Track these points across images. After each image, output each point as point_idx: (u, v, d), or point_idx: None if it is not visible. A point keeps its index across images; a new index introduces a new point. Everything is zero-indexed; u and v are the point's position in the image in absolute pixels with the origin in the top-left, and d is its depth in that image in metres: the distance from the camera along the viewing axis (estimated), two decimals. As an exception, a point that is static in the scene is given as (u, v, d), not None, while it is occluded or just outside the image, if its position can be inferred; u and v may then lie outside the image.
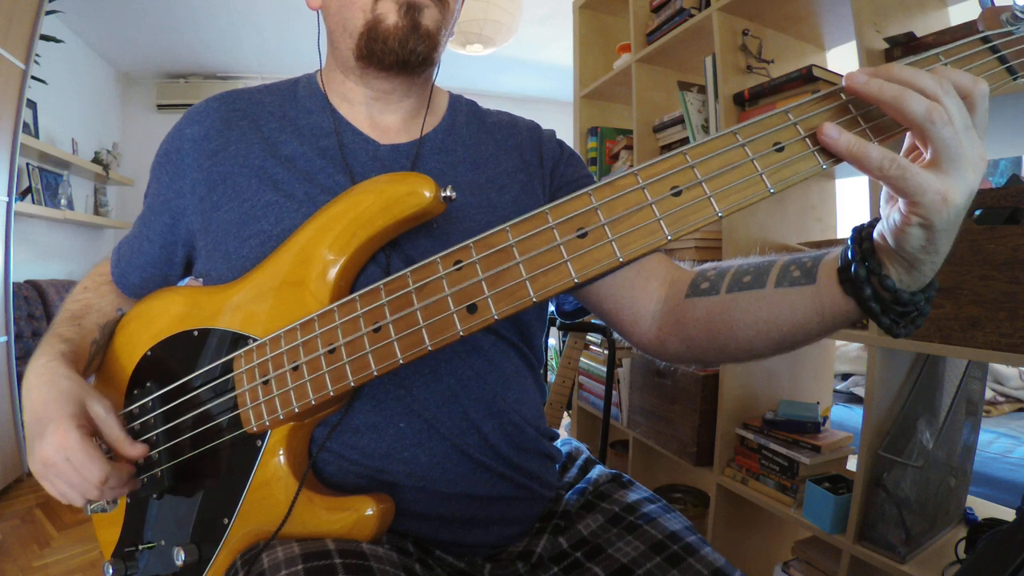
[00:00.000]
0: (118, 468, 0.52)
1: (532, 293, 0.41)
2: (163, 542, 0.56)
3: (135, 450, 0.53)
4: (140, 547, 0.58)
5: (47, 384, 0.53)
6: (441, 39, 0.60)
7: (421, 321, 0.43)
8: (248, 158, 0.59)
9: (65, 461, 0.49)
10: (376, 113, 0.63)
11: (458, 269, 0.42)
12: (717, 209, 0.39)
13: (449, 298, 0.42)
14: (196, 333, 0.56)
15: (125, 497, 0.60)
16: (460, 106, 0.70)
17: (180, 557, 0.52)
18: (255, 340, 0.52)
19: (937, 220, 0.37)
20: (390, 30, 0.56)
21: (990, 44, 0.42)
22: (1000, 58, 0.42)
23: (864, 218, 1.06)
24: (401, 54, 0.57)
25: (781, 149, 0.39)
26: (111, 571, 0.57)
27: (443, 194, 0.49)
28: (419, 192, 0.48)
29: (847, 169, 0.41)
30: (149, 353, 0.59)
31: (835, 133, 0.39)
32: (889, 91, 0.37)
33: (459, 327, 0.42)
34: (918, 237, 0.38)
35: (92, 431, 0.52)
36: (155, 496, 0.57)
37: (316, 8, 0.63)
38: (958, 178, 0.37)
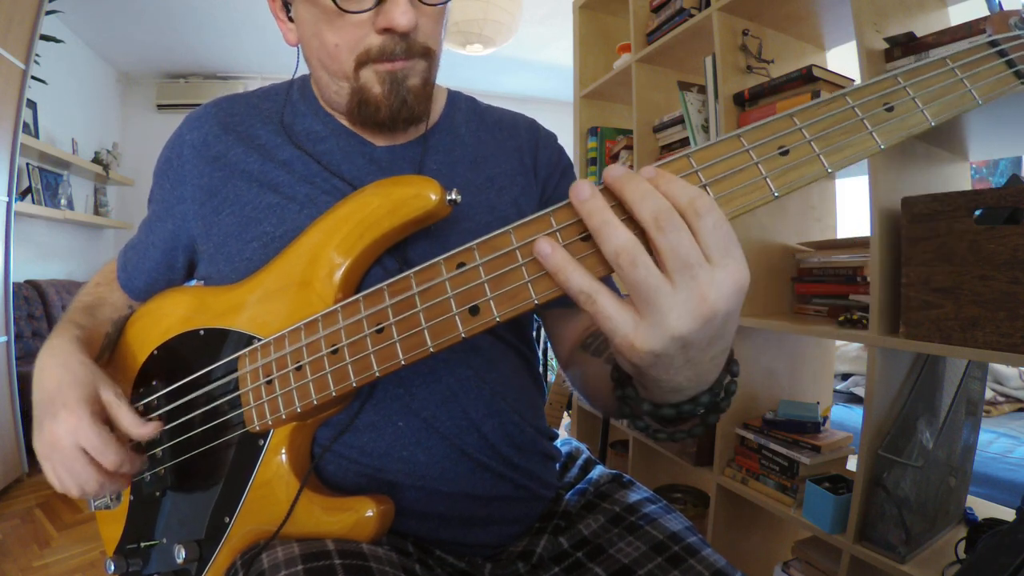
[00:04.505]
0: (131, 455, 0.51)
1: (534, 296, 0.41)
2: (165, 540, 0.57)
3: (148, 428, 0.52)
4: (142, 544, 0.58)
5: (61, 366, 0.53)
6: (433, 77, 0.59)
7: (424, 323, 0.44)
8: (247, 162, 0.59)
9: (74, 447, 0.49)
10: None
11: (461, 272, 0.42)
12: None
13: (452, 300, 0.42)
14: (202, 332, 0.56)
15: (128, 494, 0.60)
16: (459, 104, 0.70)
17: (181, 555, 0.52)
18: (260, 340, 0.52)
19: (632, 360, 0.33)
20: (379, 98, 0.56)
21: (998, 48, 0.42)
22: (1008, 62, 0.42)
23: (864, 218, 1.06)
24: (392, 123, 0.57)
25: (786, 153, 0.39)
26: (113, 568, 0.58)
27: (448, 197, 0.49)
28: (425, 195, 0.49)
29: (848, 169, 0.40)
30: (156, 351, 0.59)
31: (548, 249, 0.35)
32: (592, 222, 0.34)
33: (461, 329, 0.42)
34: (628, 366, 0.35)
35: (104, 418, 0.51)
36: (158, 494, 0.57)
37: (294, 45, 0.61)
38: (653, 325, 0.32)
